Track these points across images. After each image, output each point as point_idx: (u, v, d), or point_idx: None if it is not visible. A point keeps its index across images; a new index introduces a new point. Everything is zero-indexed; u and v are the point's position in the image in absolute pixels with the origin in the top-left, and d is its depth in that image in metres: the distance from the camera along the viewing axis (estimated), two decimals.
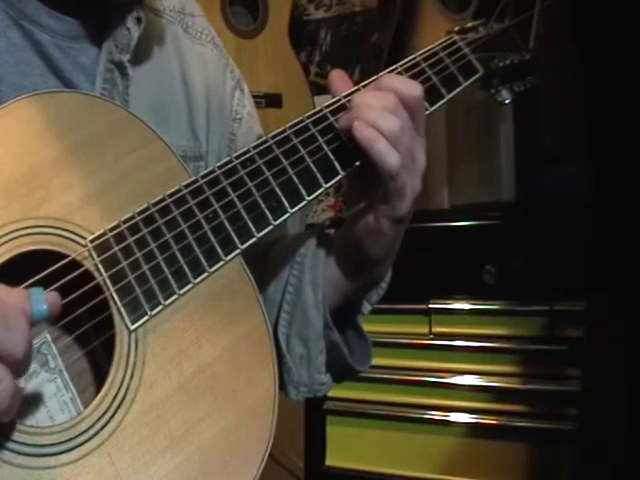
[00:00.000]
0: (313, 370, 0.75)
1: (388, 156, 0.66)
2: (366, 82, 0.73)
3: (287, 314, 0.75)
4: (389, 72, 0.75)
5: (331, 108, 0.71)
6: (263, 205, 0.67)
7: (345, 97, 0.72)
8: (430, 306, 1.57)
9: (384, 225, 0.70)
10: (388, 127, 0.66)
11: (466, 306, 1.56)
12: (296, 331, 0.75)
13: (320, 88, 2.27)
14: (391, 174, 0.66)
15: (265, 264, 0.79)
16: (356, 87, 0.72)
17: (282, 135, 0.70)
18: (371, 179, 0.69)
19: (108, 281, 0.61)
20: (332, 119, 0.71)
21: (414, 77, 0.75)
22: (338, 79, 0.73)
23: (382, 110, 0.67)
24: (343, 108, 0.71)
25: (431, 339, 1.57)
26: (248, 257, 0.67)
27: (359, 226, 0.71)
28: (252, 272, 0.67)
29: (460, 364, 1.54)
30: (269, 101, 2.03)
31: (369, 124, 0.66)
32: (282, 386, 0.75)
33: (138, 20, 0.74)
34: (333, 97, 0.72)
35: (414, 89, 0.69)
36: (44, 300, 0.54)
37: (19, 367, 0.53)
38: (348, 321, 0.78)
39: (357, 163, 0.70)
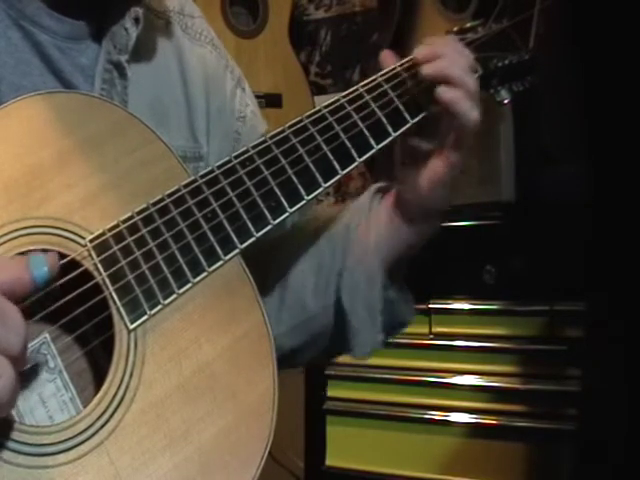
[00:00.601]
0: (375, 331, 0.79)
1: (473, 111, 0.73)
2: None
3: (350, 281, 0.78)
4: (388, 72, 0.75)
5: (330, 108, 0.72)
6: (262, 205, 0.67)
7: (343, 97, 0.73)
8: (430, 306, 1.57)
9: (448, 173, 0.75)
10: (472, 86, 0.74)
11: (466, 306, 1.56)
12: (360, 296, 0.78)
13: (320, 88, 2.27)
14: (475, 125, 0.73)
15: (303, 237, 0.83)
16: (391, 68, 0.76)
17: (281, 135, 0.70)
18: (439, 132, 0.74)
19: (107, 281, 0.61)
20: (331, 119, 0.71)
21: (412, 77, 0.75)
22: (389, 57, 0.77)
23: (466, 70, 0.74)
24: (342, 108, 0.72)
25: (431, 339, 1.57)
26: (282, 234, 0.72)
27: (424, 179, 0.75)
28: (289, 243, 0.72)
29: (460, 364, 1.54)
30: (269, 101, 2.04)
31: (455, 82, 0.73)
32: (346, 349, 0.80)
33: (136, 20, 0.75)
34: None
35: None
36: (44, 262, 0.55)
37: (16, 362, 0.53)
38: (395, 277, 0.81)
39: (358, 162, 0.71)
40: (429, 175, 0.75)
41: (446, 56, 0.74)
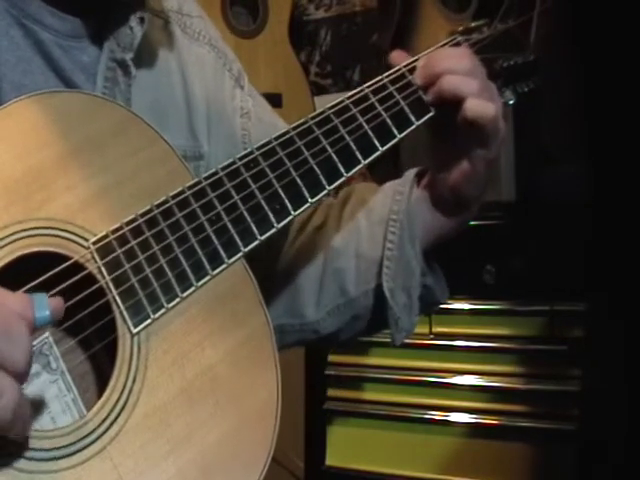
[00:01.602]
0: (412, 315, 0.81)
1: (487, 108, 0.72)
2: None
3: (390, 269, 0.79)
4: (393, 72, 0.75)
5: (334, 109, 0.71)
6: (266, 207, 0.66)
7: (348, 98, 0.72)
8: None
9: (479, 167, 0.75)
10: (477, 83, 0.73)
11: (466, 306, 1.56)
12: (400, 283, 0.79)
13: (320, 88, 2.27)
14: (492, 121, 0.72)
15: (339, 222, 0.84)
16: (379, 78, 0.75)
17: (286, 136, 0.69)
18: (461, 131, 0.74)
19: (111, 284, 0.61)
20: (336, 121, 0.71)
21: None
22: (398, 56, 0.77)
23: (464, 74, 0.73)
24: (347, 110, 0.71)
25: (431, 339, 1.56)
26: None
27: (454, 173, 0.76)
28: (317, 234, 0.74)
29: (460, 364, 1.54)
30: (269, 101, 2.02)
31: (458, 86, 0.73)
32: (387, 333, 0.81)
33: (141, 20, 0.74)
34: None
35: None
36: (47, 305, 0.54)
37: (21, 378, 0.52)
38: (430, 261, 0.82)
39: (363, 162, 0.70)
40: (459, 171, 0.75)
41: (448, 58, 0.74)
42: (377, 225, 0.81)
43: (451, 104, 0.73)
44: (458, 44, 0.79)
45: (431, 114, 0.74)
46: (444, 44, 0.79)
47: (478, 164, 0.75)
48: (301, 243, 0.85)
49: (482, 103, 0.72)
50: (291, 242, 0.85)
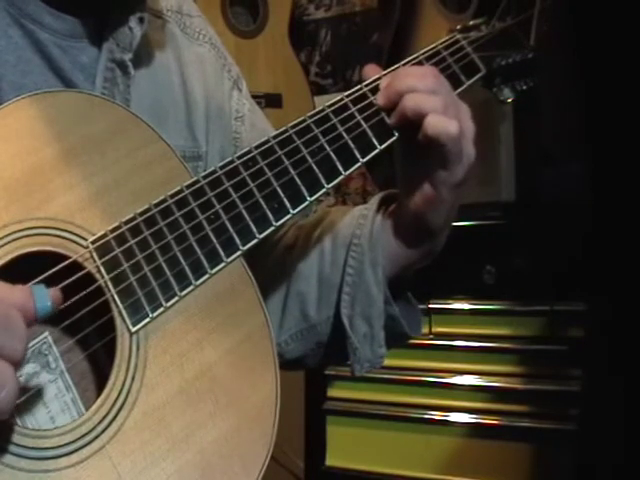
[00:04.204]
0: (375, 346, 0.77)
1: (449, 125, 0.68)
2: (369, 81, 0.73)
3: (349, 295, 0.77)
4: (391, 72, 0.75)
5: (333, 108, 0.71)
6: (265, 206, 0.66)
7: (347, 96, 0.72)
8: (430, 306, 1.57)
9: (443, 192, 0.71)
10: (440, 101, 0.70)
11: (466, 306, 1.56)
12: (359, 311, 0.76)
13: (320, 88, 2.27)
14: (453, 141, 0.69)
15: (307, 243, 0.81)
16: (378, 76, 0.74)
17: (284, 135, 0.69)
18: (423, 152, 0.71)
19: (109, 283, 0.61)
20: (334, 119, 0.71)
21: None
22: (371, 70, 0.75)
23: (427, 92, 0.70)
24: (346, 108, 0.71)
25: (431, 339, 1.56)
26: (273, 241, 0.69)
27: (416, 198, 0.73)
28: (283, 255, 0.69)
29: (460, 364, 1.54)
30: (269, 101, 2.03)
31: (418, 105, 0.69)
32: (346, 364, 0.78)
33: (140, 20, 0.74)
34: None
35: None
36: (47, 296, 0.54)
37: (17, 368, 0.52)
38: (400, 291, 0.79)
39: (361, 162, 0.70)
40: (421, 196, 0.72)
41: (410, 77, 0.71)
42: (340, 249, 0.78)
43: (414, 124, 0.70)
44: (457, 42, 0.79)
45: (394, 138, 0.72)
46: (443, 42, 0.79)
47: (442, 189, 0.71)
48: (271, 262, 0.83)
49: (443, 120, 0.68)
50: (262, 260, 0.82)
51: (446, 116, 0.69)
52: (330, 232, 0.81)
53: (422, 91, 0.70)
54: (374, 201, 0.79)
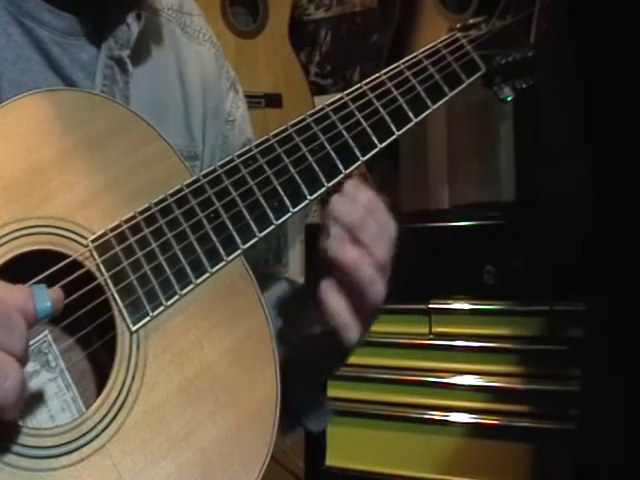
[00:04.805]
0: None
1: (376, 284, 0.67)
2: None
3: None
4: (392, 69, 0.75)
5: (333, 106, 0.71)
6: (265, 205, 0.66)
7: (347, 95, 0.72)
8: (430, 306, 1.56)
9: (350, 330, 0.68)
10: (381, 255, 0.67)
11: (466, 306, 1.55)
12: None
13: (320, 88, 2.27)
14: (375, 296, 0.67)
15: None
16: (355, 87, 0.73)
17: (284, 134, 0.69)
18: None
19: (109, 282, 0.61)
20: (334, 117, 0.71)
21: (416, 75, 0.75)
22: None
23: (364, 255, 0.66)
24: (345, 107, 0.71)
25: (431, 339, 1.56)
26: None
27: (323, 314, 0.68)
28: None
29: (460, 364, 1.54)
30: (269, 101, 2.03)
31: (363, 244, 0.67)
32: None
33: (138, 17, 0.74)
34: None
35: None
36: (47, 297, 0.54)
37: (21, 363, 0.52)
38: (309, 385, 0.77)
39: (361, 160, 0.70)
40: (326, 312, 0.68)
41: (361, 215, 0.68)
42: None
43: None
44: (457, 40, 0.79)
45: (429, 110, 0.73)
46: (443, 41, 0.79)
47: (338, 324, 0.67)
48: None
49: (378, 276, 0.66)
50: None
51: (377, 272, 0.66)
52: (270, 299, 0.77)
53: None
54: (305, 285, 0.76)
